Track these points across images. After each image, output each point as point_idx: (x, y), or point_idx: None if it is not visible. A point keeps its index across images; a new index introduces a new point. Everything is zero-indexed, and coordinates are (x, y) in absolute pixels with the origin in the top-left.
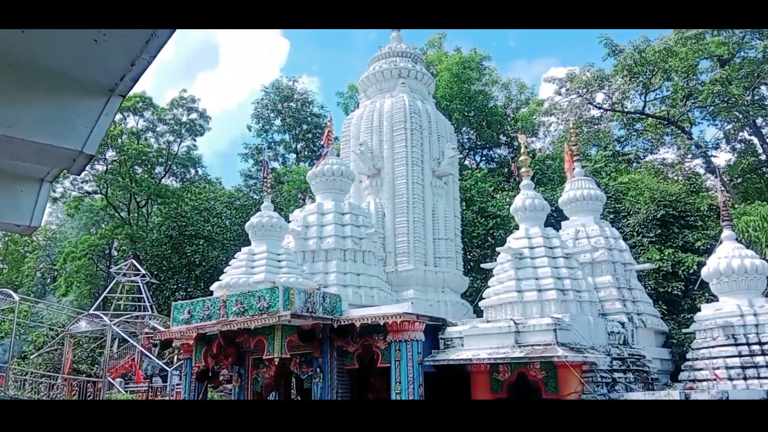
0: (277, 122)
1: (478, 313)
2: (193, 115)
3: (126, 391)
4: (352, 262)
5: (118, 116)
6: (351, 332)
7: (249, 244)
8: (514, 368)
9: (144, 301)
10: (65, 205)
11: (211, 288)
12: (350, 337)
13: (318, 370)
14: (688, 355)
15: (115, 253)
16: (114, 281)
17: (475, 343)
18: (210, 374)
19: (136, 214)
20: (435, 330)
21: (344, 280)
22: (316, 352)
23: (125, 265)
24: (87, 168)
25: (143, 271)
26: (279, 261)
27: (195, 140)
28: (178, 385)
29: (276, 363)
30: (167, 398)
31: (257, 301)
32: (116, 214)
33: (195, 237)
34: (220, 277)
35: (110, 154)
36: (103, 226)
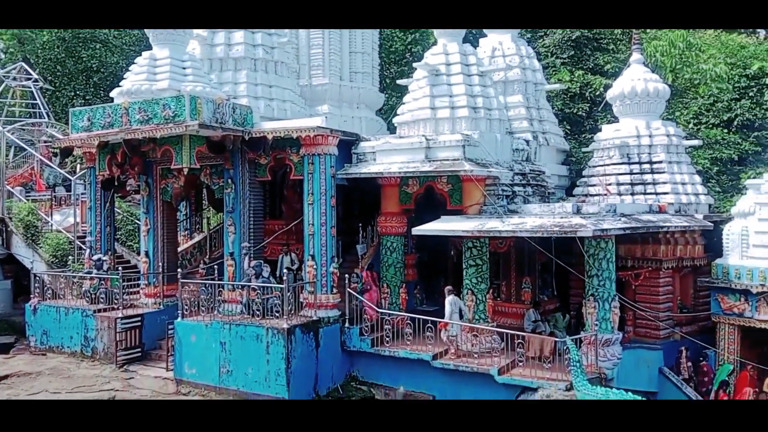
0: None
1: (392, 130)
2: None
3: (28, 200)
4: (264, 72)
5: None
6: (263, 145)
7: (150, 48)
8: (423, 182)
9: (39, 108)
10: None
11: (112, 95)
12: (262, 149)
13: (230, 181)
14: (584, 172)
15: (2, 56)
16: (3, 85)
17: (387, 158)
18: (116, 183)
19: None
20: (348, 145)
21: (255, 91)
22: (227, 163)
23: (14, 69)
24: None
25: (35, 76)
26: (184, 68)
27: None
28: (83, 194)
29: (185, 173)
30: (72, 207)
31: (162, 110)
32: None
33: (91, 41)
34: (121, 83)
35: None
36: None
